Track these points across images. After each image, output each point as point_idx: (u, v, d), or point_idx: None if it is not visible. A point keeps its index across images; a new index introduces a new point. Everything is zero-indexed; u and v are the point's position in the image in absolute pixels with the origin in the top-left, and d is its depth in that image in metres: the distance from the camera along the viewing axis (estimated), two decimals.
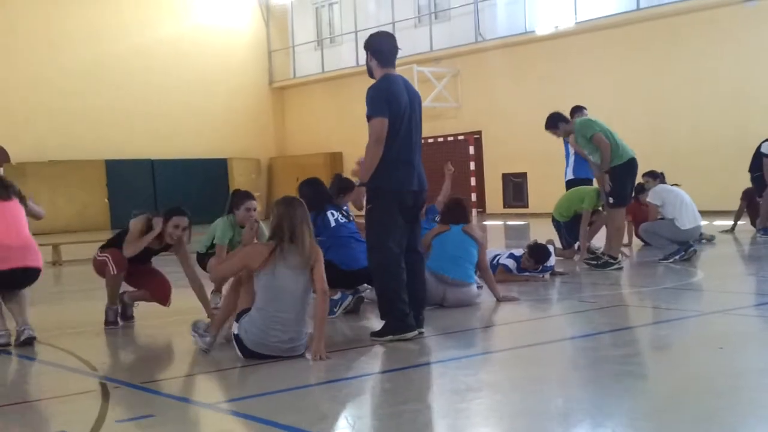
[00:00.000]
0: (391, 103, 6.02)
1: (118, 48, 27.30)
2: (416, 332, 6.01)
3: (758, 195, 13.31)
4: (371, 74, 6.29)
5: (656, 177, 11.13)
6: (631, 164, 9.82)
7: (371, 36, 6.38)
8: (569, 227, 11.14)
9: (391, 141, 6.01)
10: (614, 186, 9.72)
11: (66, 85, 26.23)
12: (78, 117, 26.34)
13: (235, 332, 5.58)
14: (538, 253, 9.12)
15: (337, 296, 7.22)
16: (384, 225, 6.07)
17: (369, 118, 6.04)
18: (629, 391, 4.58)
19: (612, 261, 9.73)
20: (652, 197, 10.73)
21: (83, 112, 26.41)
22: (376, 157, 5.99)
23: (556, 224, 11.38)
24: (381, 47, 6.24)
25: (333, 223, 7.33)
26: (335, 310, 7.17)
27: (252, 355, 5.48)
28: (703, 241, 12.00)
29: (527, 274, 9.12)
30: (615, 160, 9.68)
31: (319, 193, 7.55)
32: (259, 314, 5.48)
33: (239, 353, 5.53)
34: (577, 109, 11.45)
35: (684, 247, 10.27)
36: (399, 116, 6.03)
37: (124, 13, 27.57)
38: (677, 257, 10.18)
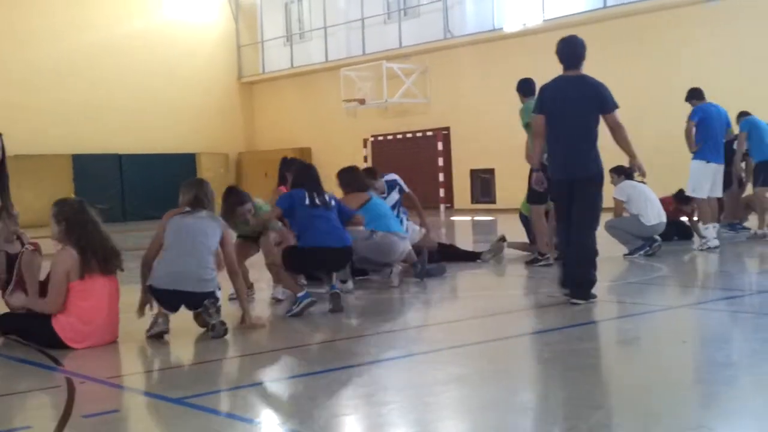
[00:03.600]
0: (542, 102, 7.17)
1: (86, 43, 27.03)
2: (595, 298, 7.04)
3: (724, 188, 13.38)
4: None
5: (621, 173, 11.22)
6: None
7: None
8: None
9: (546, 136, 7.15)
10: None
11: (33, 80, 25.93)
12: (45, 112, 26.03)
13: None
14: (371, 171, 9.77)
15: (302, 293, 6.96)
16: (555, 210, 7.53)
17: None
18: (594, 385, 4.64)
19: (539, 258, 9.83)
20: (617, 193, 10.85)
21: (50, 107, 26.11)
22: (533, 147, 7.42)
23: (524, 219, 11.44)
24: (557, 51, 7.13)
25: (307, 201, 7.20)
26: (293, 308, 6.90)
27: None
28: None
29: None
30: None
31: (310, 175, 7.49)
32: None
33: None
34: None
35: (649, 243, 10.39)
36: (548, 114, 7.07)
37: (92, 8, 27.29)
38: (642, 252, 10.30)
